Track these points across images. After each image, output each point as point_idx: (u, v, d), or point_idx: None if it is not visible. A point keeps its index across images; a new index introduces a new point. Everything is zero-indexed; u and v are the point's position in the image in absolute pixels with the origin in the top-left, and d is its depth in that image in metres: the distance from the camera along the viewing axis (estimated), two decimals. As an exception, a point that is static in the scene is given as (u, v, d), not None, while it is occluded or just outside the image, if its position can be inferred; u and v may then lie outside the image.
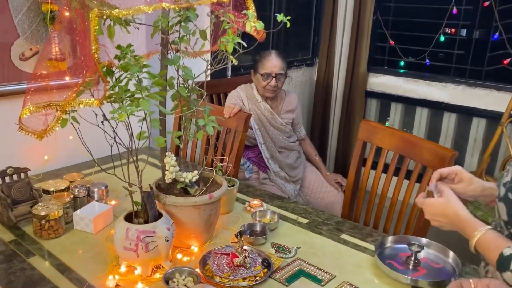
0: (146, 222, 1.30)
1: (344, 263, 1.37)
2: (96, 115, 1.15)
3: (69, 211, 1.54)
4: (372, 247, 1.46)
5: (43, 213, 1.42)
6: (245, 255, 1.30)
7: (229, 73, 2.99)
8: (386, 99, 3.55)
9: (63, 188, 1.59)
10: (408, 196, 1.75)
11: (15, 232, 1.47)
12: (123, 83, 1.09)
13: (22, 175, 1.56)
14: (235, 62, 1.36)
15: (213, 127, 1.35)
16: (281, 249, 1.43)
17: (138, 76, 1.04)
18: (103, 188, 1.61)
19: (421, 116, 3.43)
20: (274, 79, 2.35)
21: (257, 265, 1.31)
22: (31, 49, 1.81)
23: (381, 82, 3.49)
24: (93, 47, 0.93)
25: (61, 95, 1.07)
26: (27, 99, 1.04)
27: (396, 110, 3.55)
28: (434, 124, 3.40)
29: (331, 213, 2.47)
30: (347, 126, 3.58)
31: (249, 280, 1.25)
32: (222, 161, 1.93)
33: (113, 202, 1.69)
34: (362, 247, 1.46)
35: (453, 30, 3.24)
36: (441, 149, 1.62)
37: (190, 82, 1.37)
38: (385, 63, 3.56)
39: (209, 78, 2.59)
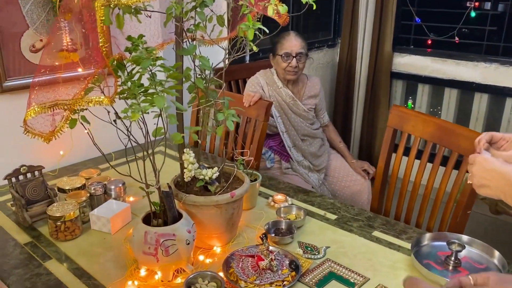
0: (165, 222, 1.23)
1: (377, 264, 1.27)
2: (108, 112, 1.06)
3: (85, 210, 1.47)
4: (406, 245, 1.35)
5: (58, 214, 1.35)
6: (271, 258, 1.22)
7: (247, 58, 2.87)
8: (412, 80, 3.39)
9: (79, 186, 1.53)
10: (444, 184, 1.63)
11: (31, 233, 1.42)
12: (135, 78, 0.99)
13: (36, 173, 1.50)
14: (255, 49, 1.25)
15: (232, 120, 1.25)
16: (309, 249, 1.34)
17: (151, 70, 0.94)
18: (120, 185, 1.54)
19: (450, 97, 3.26)
20: (294, 59, 2.23)
21: (284, 267, 1.22)
22: (41, 40, 1.73)
23: (407, 62, 3.33)
24: (100, 40, 0.84)
25: (69, 93, 0.99)
26: (32, 99, 0.96)
27: (423, 92, 3.38)
28: (464, 106, 3.23)
29: (357, 202, 2.39)
30: (371, 110, 3.44)
31: (276, 285, 1.17)
32: (242, 153, 1.84)
33: (131, 199, 1.63)
34: (396, 246, 1.36)
35: (484, 4, 3.04)
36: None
37: (207, 72, 1.27)
38: (411, 42, 3.38)
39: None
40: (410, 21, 3.30)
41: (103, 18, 0.86)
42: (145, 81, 1.04)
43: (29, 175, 1.49)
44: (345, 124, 3.55)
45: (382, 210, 1.86)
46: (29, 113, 0.94)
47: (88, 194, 1.49)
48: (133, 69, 1.01)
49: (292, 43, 2.26)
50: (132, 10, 0.94)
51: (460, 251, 1.24)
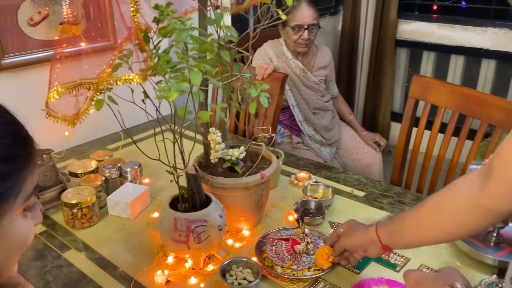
0: (193, 207, 1.15)
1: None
2: (132, 90, 0.96)
3: (101, 195, 1.38)
4: (442, 221, 1.30)
5: (74, 201, 1.26)
6: (308, 241, 1.15)
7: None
8: (417, 48, 3.30)
9: (92, 169, 1.43)
10: (471, 158, 1.57)
11: (45, 222, 1.33)
12: (161, 50, 0.89)
13: (45, 157, 1.40)
14: (284, 17, 1.15)
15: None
16: (343, 229, 1.28)
17: (185, 43, 0.84)
18: (136, 167, 1.45)
19: (456, 64, 3.19)
20: (306, 31, 2.12)
21: (321, 250, 1.16)
22: (39, 12, 1.59)
23: (412, 29, 3.23)
24: (132, 8, 0.73)
25: (93, 71, 0.88)
26: (53, 78, 0.85)
27: (428, 59, 3.30)
28: (470, 73, 3.16)
29: (369, 175, 2.33)
30: (375, 80, 3.35)
31: (315, 270, 1.11)
32: (264, 131, 1.75)
33: (146, 181, 1.54)
34: (432, 223, 1.30)
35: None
36: (517, 107, 1.42)
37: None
38: (416, 8, 3.27)
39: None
40: (416, -14, 3.18)
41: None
42: (173, 56, 0.94)
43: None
44: (348, 94, 3.46)
45: (403, 184, 1.80)
46: (51, 95, 0.83)
47: (103, 178, 1.40)
48: (159, 41, 0.91)
49: (304, 14, 2.14)
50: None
51: (503, 227, 1.18)
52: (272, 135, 1.50)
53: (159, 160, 1.04)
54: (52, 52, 1.03)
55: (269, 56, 2.23)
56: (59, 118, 0.89)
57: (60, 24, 1.59)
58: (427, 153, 1.70)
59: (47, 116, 0.90)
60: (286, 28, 2.18)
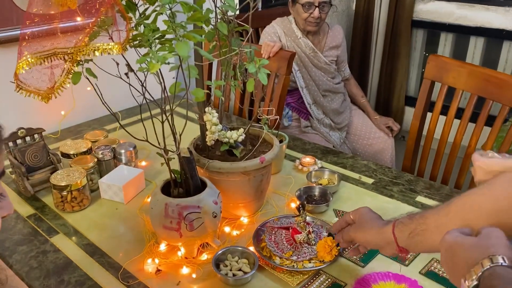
0: (187, 192, 1.07)
1: None
2: (118, 64, 0.88)
3: (93, 177, 1.32)
4: (456, 212, 1.20)
5: (63, 183, 1.20)
6: (309, 230, 1.07)
7: (259, 4, 2.62)
8: (435, 29, 3.14)
9: (85, 150, 1.36)
10: (489, 145, 1.46)
11: (34, 204, 1.27)
12: (150, 20, 0.80)
13: (36, 136, 1.33)
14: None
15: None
16: (348, 218, 1.19)
17: (171, 9, 0.75)
18: (131, 149, 1.37)
19: (476, 46, 3.03)
20: (317, 8, 2.00)
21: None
22: (32, -16, 1.51)
23: (430, 9, 3.07)
24: (107, -31, 0.64)
25: (70, 40, 0.80)
26: (23, 46, 0.77)
27: (446, 41, 3.15)
28: (491, 55, 3.00)
29: (380, 161, 2.23)
30: (390, 62, 3.21)
31: (316, 262, 1.03)
32: (264, 112, 1.66)
33: (143, 164, 1.47)
34: (445, 213, 1.20)
35: None
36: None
37: (230, 14, 1.07)
38: (434, -13, 3.11)
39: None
40: (435, -37, 3.02)
41: None
42: (159, 25, 0.85)
43: (28, 139, 1.32)
44: (361, 76, 3.33)
45: (415, 171, 1.70)
46: (21, 65, 0.75)
47: (96, 160, 1.33)
48: (146, 9, 0.82)
49: None
50: None
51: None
52: (276, 117, 1.41)
53: (147, 141, 0.96)
54: (43, 28, 0.94)
55: (278, 34, 2.12)
56: (31, 92, 0.81)
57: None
58: (441, 139, 1.59)
59: (17, 89, 0.82)
60: (296, 5, 2.06)
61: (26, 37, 0.76)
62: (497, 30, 2.84)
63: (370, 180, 1.37)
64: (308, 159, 1.45)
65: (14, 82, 0.81)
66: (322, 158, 1.50)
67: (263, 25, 2.25)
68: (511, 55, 2.89)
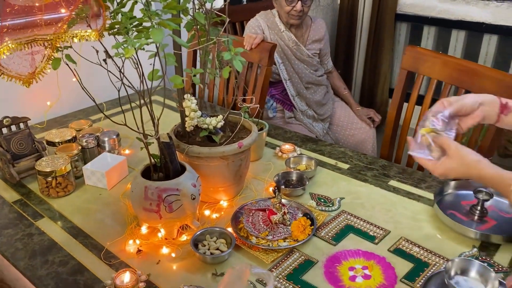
0: (167, 177, 1.11)
1: (397, 215, 1.18)
2: (97, 51, 0.92)
3: (78, 165, 1.35)
4: (427, 194, 1.26)
5: (48, 169, 1.23)
6: (284, 211, 1.12)
7: (244, -2, 2.66)
8: (418, 22, 3.20)
9: (69, 138, 1.40)
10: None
11: (19, 190, 1.30)
12: (126, 8, 0.84)
13: (22, 125, 1.36)
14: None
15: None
16: (323, 201, 1.25)
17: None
18: (114, 137, 1.41)
19: (457, 40, 3.09)
20: (299, 2, 2.04)
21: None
22: (16, -24, 1.54)
23: (413, 2, 3.13)
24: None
25: (50, 27, 0.84)
26: (4, 33, 0.80)
27: (428, 34, 3.21)
28: (472, 48, 3.07)
29: (362, 151, 2.29)
30: (374, 55, 3.27)
31: (290, 241, 1.08)
32: (245, 101, 1.70)
33: (126, 152, 1.51)
34: (416, 195, 1.26)
35: None
36: (511, 78, 1.37)
37: (208, 5, 1.11)
38: (417, -19, 3.16)
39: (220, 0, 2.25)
40: (417, -42, 3.07)
41: None
42: (137, 13, 0.89)
43: (13, 128, 1.35)
44: (346, 69, 3.39)
45: (393, 158, 1.76)
46: (1, 50, 0.79)
47: (80, 147, 1.37)
48: (123, -2, 0.86)
49: None
50: None
51: (488, 200, 1.14)
52: (256, 105, 1.46)
53: (125, 125, 1.00)
54: (26, 20, 0.98)
55: (261, 27, 2.17)
56: (13, 77, 0.85)
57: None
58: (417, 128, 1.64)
59: (-1, 74, 0.86)
60: (279, -2, 2.10)
61: (7, 25, 0.79)
62: (477, 24, 2.91)
63: (346, 166, 1.42)
64: (287, 146, 1.50)
65: (-4, 67, 0.85)
66: (302, 145, 1.55)
67: (248, 18, 2.29)
68: (491, 48, 2.96)
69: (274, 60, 2.12)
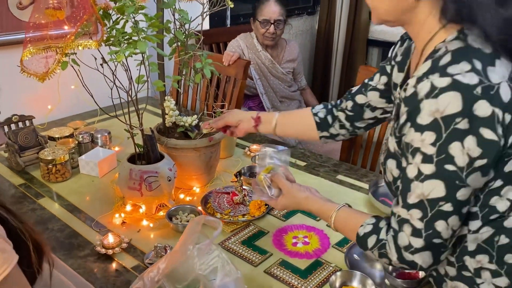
0: (148, 164, 1.35)
1: (339, 200, 1.38)
2: (96, 58, 1.17)
3: (74, 157, 1.59)
4: (367, 186, 1.51)
5: (50, 158, 1.47)
6: (245, 194, 1.36)
7: (228, 21, 2.96)
8: (388, 47, 3.50)
9: (68, 134, 1.64)
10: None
11: (24, 176, 1.54)
12: (120, 25, 1.10)
13: (27, 122, 1.61)
14: (231, 4, 1.36)
15: (212, 72, 1.37)
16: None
17: (134, 18, 1.05)
18: (106, 134, 1.66)
19: (423, 64, 3.41)
20: (272, 25, 2.34)
21: (256, 203, 1.37)
22: (28, -3, 1.81)
23: (383, 29, 3.44)
24: (89, -12, 0.94)
25: (61, 38, 1.09)
26: (27, 41, 1.06)
27: (398, 59, 3.52)
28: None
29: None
30: (348, 75, 3.57)
31: (248, 216, 1.32)
32: (222, 107, 1.96)
33: (116, 148, 1.75)
34: (357, 186, 1.52)
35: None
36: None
37: (187, 26, 1.38)
38: (388, 11, 3.49)
39: (206, 23, 2.55)
40: (387, -10, 3.40)
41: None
42: (129, 30, 1.15)
43: (20, 124, 1.59)
44: (323, 88, 3.68)
45: (350, 161, 2.01)
46: (25, 54, 1.05)
47: (77, 142, 1.61)
48: (118, 18, 1.12)
49: (271, 9, 2.35)
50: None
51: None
52: (228, 111, 1.71)
53: (116, 117, 1.25)
54: (37, 34, 1.23)
55: (241, 47, 2.45)
56: (31, 74, 1.10)
57: (46, 8, 1.80)
58: (369, 136, 1.91)
59: (21, 71, 1.11)
60: (256, 22, 2.40)
61: (30, 36, 1.05)
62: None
63: (303, 163, 1.67)
64: (255, 146, 1.75)
65: (20, 66, 1.10)
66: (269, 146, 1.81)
67: (230, 39, 2.57)
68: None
69: (251, 76, 2.40)
